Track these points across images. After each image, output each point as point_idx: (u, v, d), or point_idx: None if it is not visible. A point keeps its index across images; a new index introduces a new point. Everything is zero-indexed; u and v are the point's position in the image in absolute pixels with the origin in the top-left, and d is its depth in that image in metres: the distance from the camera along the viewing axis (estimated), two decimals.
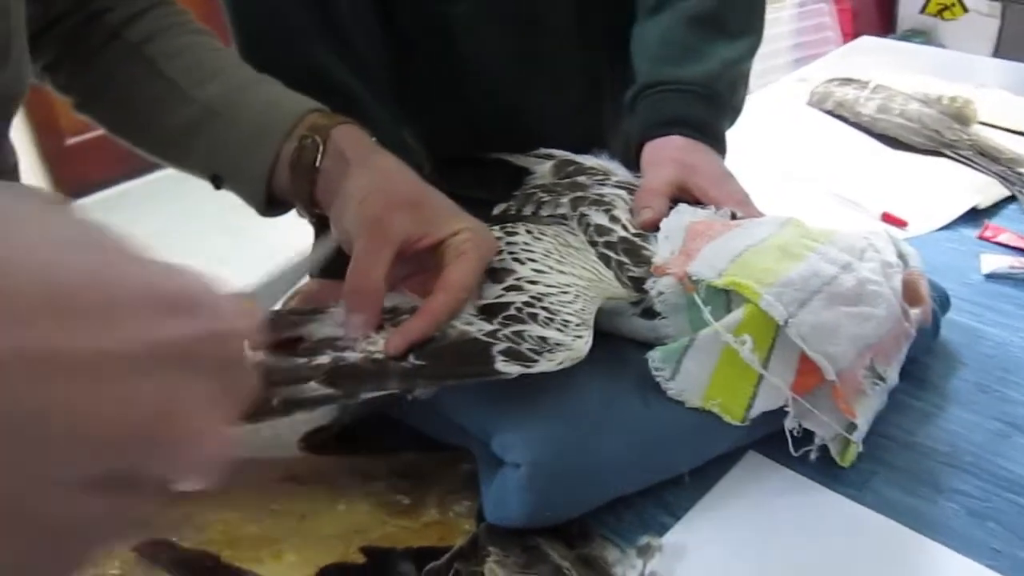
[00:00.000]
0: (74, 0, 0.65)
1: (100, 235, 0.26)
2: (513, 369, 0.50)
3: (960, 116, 0.99)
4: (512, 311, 0.53)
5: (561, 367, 0.51)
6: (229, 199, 0.65)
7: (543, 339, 0.51)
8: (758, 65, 0.80)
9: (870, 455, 0.56)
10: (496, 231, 0.61)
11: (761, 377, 0.54)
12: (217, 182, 0.64)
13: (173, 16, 0.66)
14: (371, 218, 0.55)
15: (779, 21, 2.63)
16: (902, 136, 0.98)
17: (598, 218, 0.64)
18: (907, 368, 0.60)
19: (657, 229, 0.62)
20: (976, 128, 0.98)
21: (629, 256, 0.60)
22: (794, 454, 0.55)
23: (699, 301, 0.55)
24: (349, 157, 0.58)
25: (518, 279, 0.56)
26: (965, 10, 2.95)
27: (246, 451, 0.59)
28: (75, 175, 2.94)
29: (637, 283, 0.59)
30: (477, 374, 0.50)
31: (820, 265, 0.56)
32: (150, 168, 2.93)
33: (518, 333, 0.51)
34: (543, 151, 0.79)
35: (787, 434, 0.55)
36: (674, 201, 0.65)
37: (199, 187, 0.65)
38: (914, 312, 0.58)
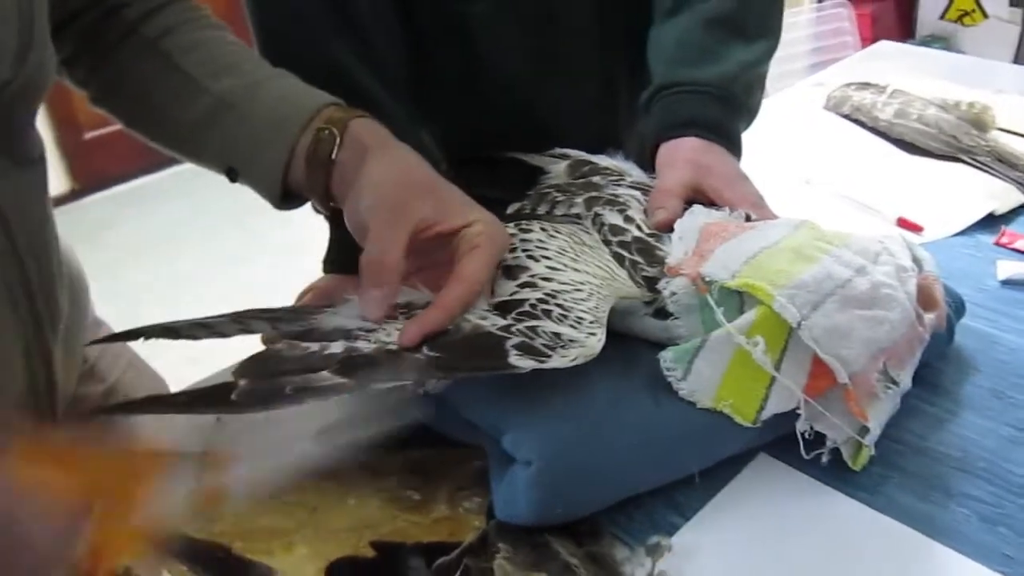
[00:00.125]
0: None
1: None
2: (526, 363, 0.50)
3: (978, 122, 0.98)
4: (526, 307, 0.53)
5: (574, 364, 0.51)
6: (244, 196, 0.65)
7: (557, 335, 0.51)
8: (775, 69, 0.80)
9: (882, 459, 0.56)
10: (511, 228, 0.62)
11: (773, 379, 0.54)
12: (232, 175, 0.64)
13: (190, 11, 0.67)
14: (388, 200, 0.55)
15: (797, 25, 2.62)
16: (919, 141, 0.98)
17: (612, 218, 0.64)
18: (921, 373, 0.60)
19: (671, 230, 0.62)
20: (994, 134, 0.98)
21: (643, 256, 0.60)
22: (805, 457, 0.55)
23: (712, 302, 0.55)
24: (368, 145, 0.59)
25: (532, 276, 0.56)
26: (985, 16, 2.93)
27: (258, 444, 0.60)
28: (93, 169, 2.96)
29: (650, 283, 0.59)
30: (491, 367, 0.50)
31: (834, 268, 0.56)
32: (167, 163, 2.96)
33: (532, 328, 0.51)
34: (558, 151, 0.79)
35: (798, 436, 0.55)
36: (688, 202, 0.66)
37: (215, 183, 0.66)
38: (928, 317, 0.58)
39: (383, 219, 0.55)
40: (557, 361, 0.50)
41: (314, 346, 0.51)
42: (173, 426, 0.65)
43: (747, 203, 0.65)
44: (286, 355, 0.51)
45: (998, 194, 0.88)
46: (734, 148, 0.72)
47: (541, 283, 0.55)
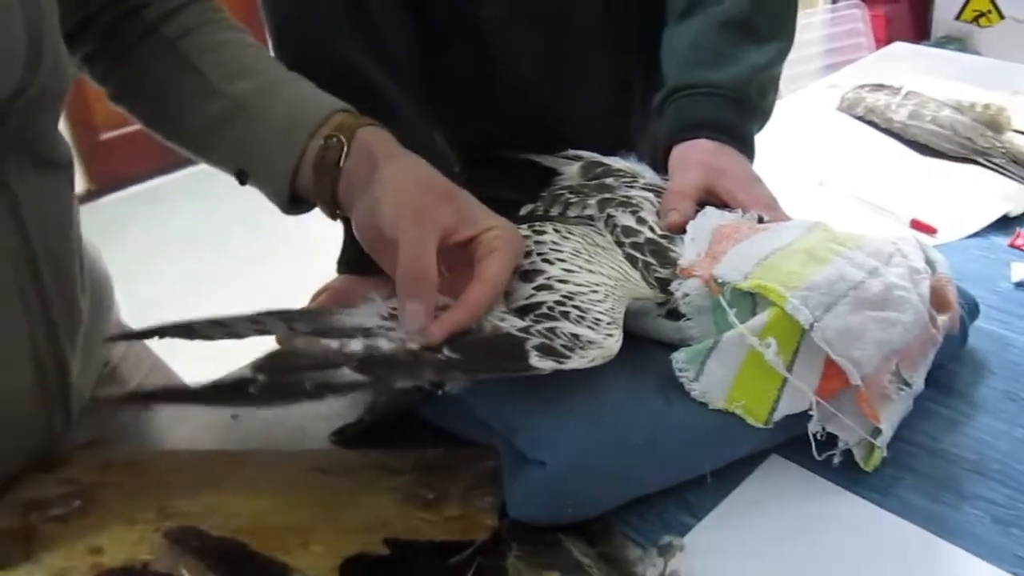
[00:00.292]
0: None
1: None
2: (547, 365, 0.50)
3: (993, 123, 0.98)
4: (544, 309, 0.54)
5: (592, 364, 0.51)
6: (258, 197, 0.66)
7: (575, 336, 0.52)
8: (789, 70, 0.80)
9: (895, 461, 0.56)
10: (524, 230, 0.62)
11: (785, 380, 0.54)
12: (242, 178, 0.65)
13: (210, 12, 0.67)
14: (413, 208, 0.55)
15: (811, 27, 2.62)
16: (933, 143, 0.98)
17: (625, 219, 0.64)
18: (934, 375, 0.60)
19: (684, 231, 0.63)
20: (1009, 136, 0.98)
21: (655, 257, 0.61)
22: (817, 458, 0.55)
23: (724, 303, 0.56)
24: (377, 155, 0.59)
25: (548, 279, 0.57)
26: (1001, 17, 2.91)
27: (273, 445, 0.60)
28: (109, 170, 2.98)
29: (663, 284, 0.59)
30: (511, 369, 0.50)
31: (847, 269, 0.56)
32: (182, 164, 2.97)
33: (551, 330, 0.52)
34: (571, 152, 0.80)
35: (811, 438, 0.55)
36: (701, 204, 0.66)
37: (229, 184, 0.66)
38: (941, 318, 0.58)
39: (411, 229, 0.55)
40: (576, 362, 0.50)
41: (333, 343, 0.52)
42: (188, 425, 0.65)
43: (760, 205, 0.65)
44: (305, 351, 0.51)
45: (1012, 196, 0.88)
46: (747, 150, 0.73)
47: (557, 285, 0.56)
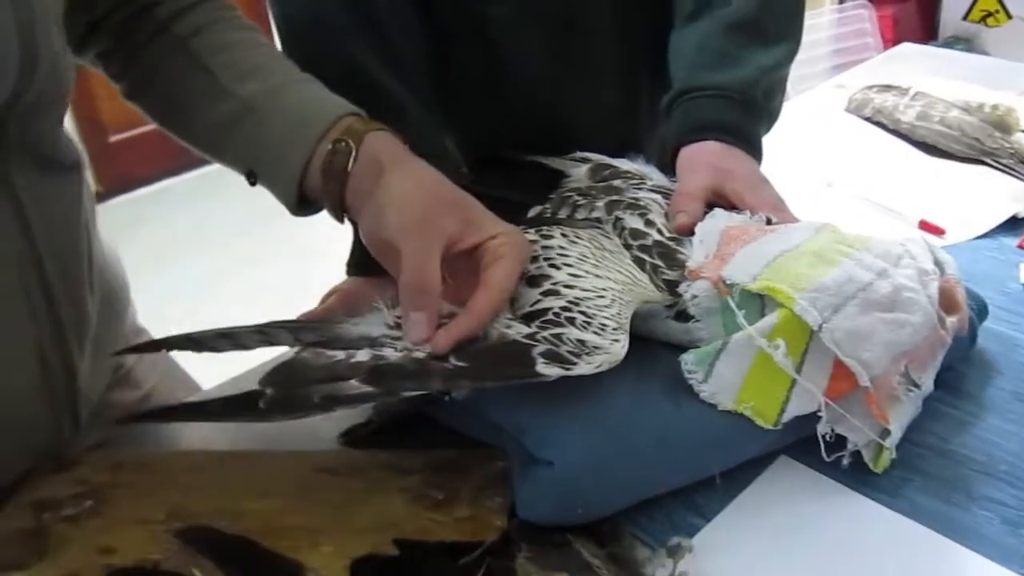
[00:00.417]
0: None
1: None
2: (553, 371, 0.50)
3: (1002, 124, 0.97)
4: (550, 316, 0.54)
5: (599, 370, 0.51)
6: (265, 198, 0.66)
7: (582, 342, 0.52)
8: (796, 71, 0.80)
9: (904, 462, 0.56)
10: (531, 234, 0.62)
11: (794, 381, 0.54)
12: (252, 178, 0.65)
13: (221, 11, 0.68)
14: (417, 219, 0.56)
15: (818, 27, 2.61)
16: (941, 144, 0.98)
17: (633, 222, 0.64)
18: (943, 376, 0.60)
19: (692, 233, 0.63)
20: (1018, 136, 0.97)
21: (663, 260, 0.61)
22: (826, 459, 0.55)
23: (733, 305, 0.56)
24: (383, 162, 0.59)
25: (555, 284, 0.57)
26: (1009, 17, 2.90)
27: (282, 445, 0.61)
28: (117, 171, 2.99)
29: (671, 286, 0.59)
30: (518, 376, 0.51)
31: (855, 271, 0.56)
32: (190, 166, 2.99)
33: (557, 336, 0.52)
34: (579, 154, 0.80)
35: (819, 439, 0.55)
36: (709, 206, 0.66)
37: (236, 186, 0.67)
38: (950, 320, 0.58)
39: (414, 240, 0.55)
40: (583, 368, 0.51)
41: (340, 354, 0.52)
42: (197, 425, 0.66)
43: (768, 206, 0.65)
44: (313, 363, 0.52)
45: (1021, 197, 0.88)
46: (755, 152, 0.73)
47: (564, 291, 0.56)
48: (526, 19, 0.79)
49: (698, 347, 0.57)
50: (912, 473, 0.56)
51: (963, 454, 0.58)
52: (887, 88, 1.09)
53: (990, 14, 2.92)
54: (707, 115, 0.71)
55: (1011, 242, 0.82)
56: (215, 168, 0.68)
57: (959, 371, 0.64)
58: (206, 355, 0.57)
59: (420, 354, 0.52)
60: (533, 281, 0.58)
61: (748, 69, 0.72)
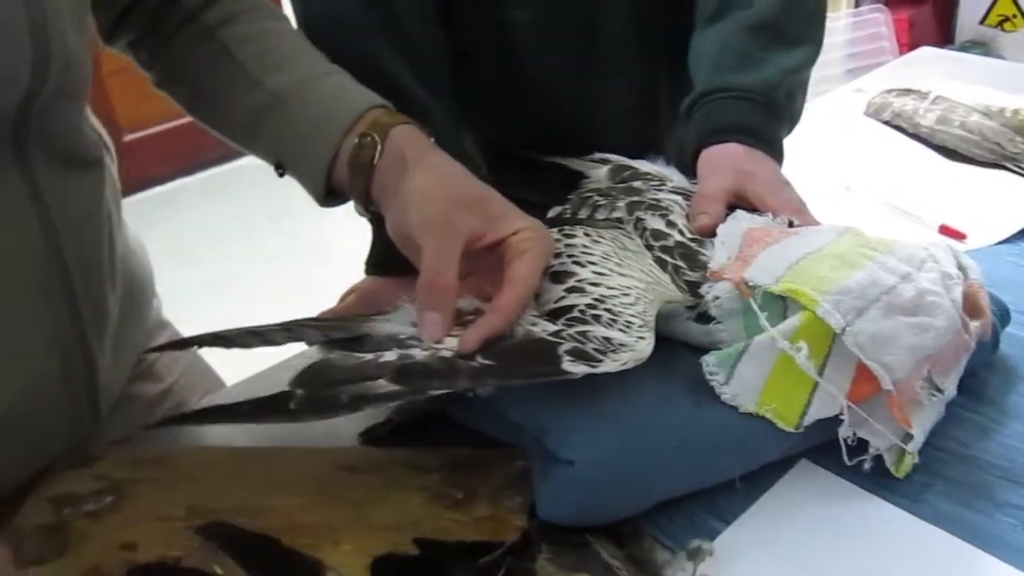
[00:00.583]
0: None
1: None
2: (579, 369, 0.50)
3: (1022, 129, 0.97)
4: (575, 313, 0.54)
5: (624, 368, 0.51)
6: (279, 197, 0.66)
7: (607, 339, 0.52)
8: (812, 74, 0.79)
9: (926, 467, 0.56)
10: (554, 233, 0.62)
11: (816, 384, 0.54)
12: (280, 169, 0.66)
13: (250, 1, 0.68)
14: (437, 216, 0.56)
15: (834, 31, 2.60)
16: (962, 148, 0.97)
17: (654, 223, 0.64)
18: (965, 381, 0.59)
19: (713, 235, 0.63)
20: None
21: (685, 261, 0.61)
22: (848, 463, 0.55)
23: (755, 307, 0.56)
24: (408, 157, 0.59)
25: (579, 281, 0.57)
26: None
27: (302, 442, 0.61)
28: (132, 170, 2.99)
29: (693, 287, 0.59)
30: (544, 374, 0.51)
31: (879, 274, 0.55)
32: (204, 165, 3.00)
33: (583, 333, 0.52)
34: (598, 155, 0.80)
35: (841, 443, 0.54)
36: (730, 208, 0.66)
37: (251, 184, 0.67)
38: (974, 324, 0.58)
39: (434, 238, 0.55)
40: (609, 365, 0.51)
41: (368, 355, 0.52)
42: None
43: (790, 209, 0.65)
44: (341, 364, 0.52)
45: None
46: (776, 154, 0.72)
47: (589, 288, 0.56)
48: (546, 21, 0.79)
49: (719, 349, 0.57)
50: (934, 478, 0.56)
51: (985, 460, 0.57)
52: (906, 92, 1.08)
53: (1007, 19, 2.90)
54: (729, 117, 0.71)
55: None
56: (229, 167, 0.69)
57: (981, 377, 0.64)
58: (229, 350, 0.58)
59: (447, 353, 0.52)
60: (557, 277, 0.58)
61: (770, 71, 0.72)
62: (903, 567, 0.51)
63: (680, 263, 0.61)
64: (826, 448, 0.56)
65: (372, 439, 0.62)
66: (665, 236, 0.63)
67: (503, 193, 0.60)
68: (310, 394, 0.50)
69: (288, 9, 0.76)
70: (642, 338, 0.52)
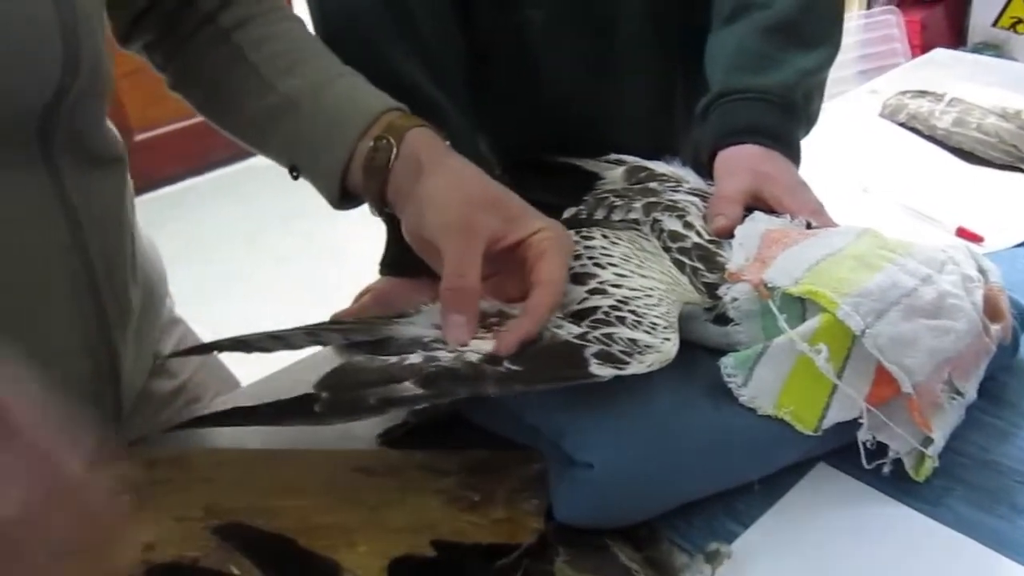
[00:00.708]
0: None
1: None
2: (607, 372, 0.50)
3: None
4: (600, 315, 0.54)
5: (650, 369, 0.51)
6: (289, 197, 0.66)
7: (633, 341, 0.51)
8: None
9: (945, 471, 0.56)
10: (572, 235, 0.62)
11: (835, 387, 0.53)
12: (294, 172, 0.66)
13: (265, 2, 0.68)
14: (457, 218, 0.55)
15: (845, 32, 2.59)
16: (978, 150, 0.97)
17: (672, 224, 0.64)
18: (984, 385, 0.59)
19: (731, 236, 0.62)
20: None
21: (703, 262, 0.60)
22: (867, 467, 0.54)
23: (774, 308, 0.55)
24: (423, 160, 0.59)
25: (601, 283, 0.56)
26: None
27: (318, 444, 0.61)
28: (143, 170, 3.00)
29: (711, 289, 0.59)
30: (571, 377, 0.50)
31: (899, 276, 0.55)
32: (214, 165, 3.00)
33: (608, 335, 0.52)
34: (613, 156, 0.79)
35: (860, 446, 0.54)
36: (748, 209, 0.65)
37: (261, 185, 0.67)
38: (994, 328, 0.58)
39: (455, 240, 0.55)
40: (635, 367, 0.50)
41: (392, 358, 0.52)
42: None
43: (807, 211, 0.65)
44: (366, 367, 0.52)
45: None
46: (793, 156, 0.72)
47: (611, 289, 0.56)
48: (562, 22, 0.79)
49: (736, 350, 0.57)
50: (954, 483, 0.56)
51: (1006, 464, 0.57)
52: (922, 94, 1.08)
53: (1020, 21, 2.88)
54: (746, 118, 0.71)
55: None
56: (239, 167, 0.69)
57: (1001, 380, 0.63)
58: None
59: (473, 356, 0.51)
60: (578, 279, 0.57)
61: (788, 72, 0.72)
62: (922, 572, 0.50)
63: (698, 264, 0.60)
64: (845, 451, 0.55)
65: (389, 441, 0.62)
66: (682, 237, 0.63)
67: (517, 194, 0.60)
68: (335, 397, 0.49)
69: (299, 10, 0.76)
70: (667, 339, 0.52)
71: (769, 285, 0.56)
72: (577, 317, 0.54)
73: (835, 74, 0.80)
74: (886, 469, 0.54)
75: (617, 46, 0.81)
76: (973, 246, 0.67)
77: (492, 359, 0.51)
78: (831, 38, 0.77)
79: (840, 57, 0.79)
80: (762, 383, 0.55)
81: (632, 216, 0.67)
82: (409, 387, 0.49)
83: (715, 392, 0.56)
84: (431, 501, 0.55)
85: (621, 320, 0.53)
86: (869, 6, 2.84)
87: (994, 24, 2.93)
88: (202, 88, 0.68)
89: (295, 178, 0.65)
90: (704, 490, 0.54)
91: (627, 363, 0.50)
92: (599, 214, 0.69)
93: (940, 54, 1.36)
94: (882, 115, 1.09)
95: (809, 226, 0.63)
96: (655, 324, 0.53)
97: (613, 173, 0.76)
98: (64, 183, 0.56)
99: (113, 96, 0.61)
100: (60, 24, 0.52)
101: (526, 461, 0.57)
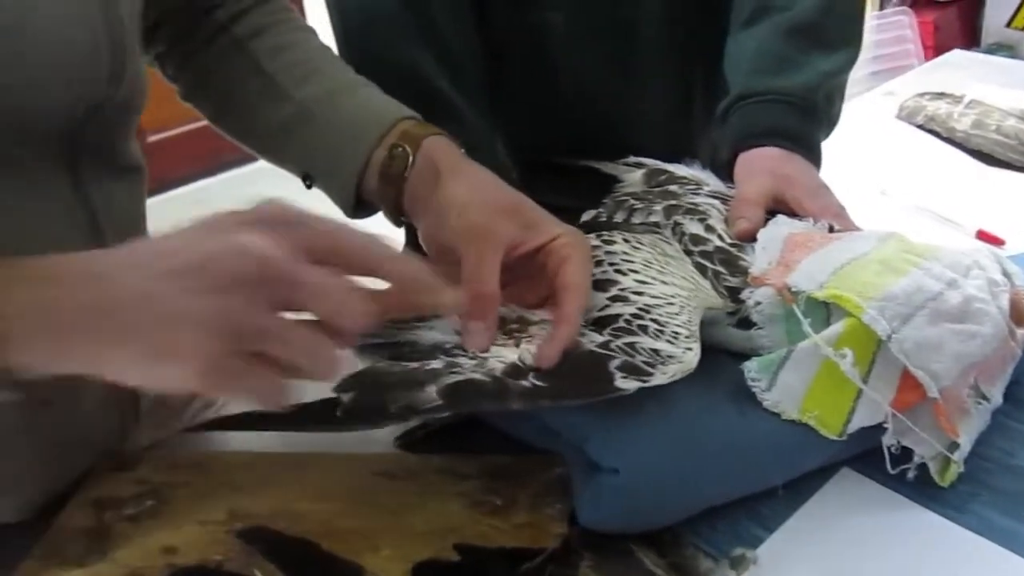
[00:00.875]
0: None
1: None
2: (631, 385, 0.50)
3: None
4: (621, 323, 0.53)
5: (672, 379, 0.51)
6: (300, 200, 0.66)
7: (655, 351, 0.51)
8: None
9: (970, 476, 0.55)
10: (593, 239, 0.62)
11: (860, 392, 0.53)
12: (308, 181, 0.65)
13: (279, 13, 0.68)
14: (476, 225, 0.55)
15: None
16: (998, 152, 0.96)
17: (693, 227, 0.64)
18: (1010, 390, 0.59)
19: (753, 239, 0.62)
20: None
21: (725, 266, 0.60)
22: (891, 472, 0.54)
23: (799, 312, 0.55)
24: (440, 168, 0.59)
25: (623, 289, 0.56)
26: None
27: (338, 447, 0.60)
28: (155, 171, 3.00)
29: (733, 293, 0.59)
30: (597, 392, 0.50)
31: (924, 281, 0.55)
32: (226, 167, 3.01)
33: (631, 345, 0.52)
34: (632, 159, 0.79)
35: (884, 451, 0.54)
36: (769, 212, 0.65)
37: (272, 187, 0.67)
38: (1020, 332, 0.57)
39: (475, 246, 0.55)
40: (658, 379, 0.50)
41: (413, 364, 0.52)
42: None
43: (829, 214, 0.64)
44: (388, 371, 0.52)
45: None
46: (814, 158, 0.72)
47: (633, 297, 0.55)
48: (580, 24, 0.79)
49: (760, 355, 0.57)
50: (978, 488, 0.55)
51: None
52: (940, 96, 1.07)
53: None
54: (767, 120, 0.71)
55: None
56: (251, 169, 0.69)
57: None
58: None
59: (495, 363, 0.51)
60: (600, 285, 0.57)
61: (809, 74, 0.71)
62: None
63: (720, 268, 0.60)
64: (869, 456, 0.55)
65: (407, 444, 0.62)
66: (704, 241, 0.62)
67: (534, 198, 0.60)
68: (357, 402, 0.49)
69: (311, 17, 0.76)
70: (689, 349, 0.52)
71: (793, 289, 0.56)
72: (599, 325, 0.54)
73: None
74: (911, 474, 0.54)
75: (637, 49, 0.81)
76: (997, 250, 0.67)
77: (516, 372, 0.51)
78: (852, 40, 0.76)
79: None
80: (786, 387, 0.55)
81: (652, 219, 0.66)
82: (432, 397, 0.49)
83: (739, 397, 0.55)
84: (452, 505, 0.55)
85: (643, 329, 0.53)
86: (882, 7, 2.83)
87: (1008, 24, 2.92)
88: (215, 98, 0.68)
89: (308, 187, 0.65)
90: (729, 495, 0.54)
91: (651, 375, 0.50)
92: (619, 217, 0.69)
93: (956, 55, 1.35)
94: (899, 117, 1.09)
95: (832, 229, 0.63)
96: (677, 333, 0.52)
97: (632, 176, 0.76)
98: (87, 190, 0.56)
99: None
100: (109, 37, 0.52)
101: (548, 465, 0.57)
